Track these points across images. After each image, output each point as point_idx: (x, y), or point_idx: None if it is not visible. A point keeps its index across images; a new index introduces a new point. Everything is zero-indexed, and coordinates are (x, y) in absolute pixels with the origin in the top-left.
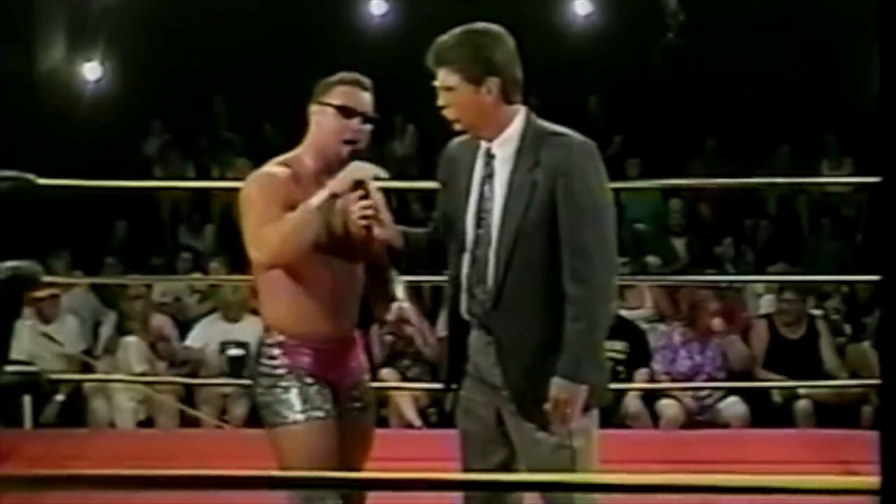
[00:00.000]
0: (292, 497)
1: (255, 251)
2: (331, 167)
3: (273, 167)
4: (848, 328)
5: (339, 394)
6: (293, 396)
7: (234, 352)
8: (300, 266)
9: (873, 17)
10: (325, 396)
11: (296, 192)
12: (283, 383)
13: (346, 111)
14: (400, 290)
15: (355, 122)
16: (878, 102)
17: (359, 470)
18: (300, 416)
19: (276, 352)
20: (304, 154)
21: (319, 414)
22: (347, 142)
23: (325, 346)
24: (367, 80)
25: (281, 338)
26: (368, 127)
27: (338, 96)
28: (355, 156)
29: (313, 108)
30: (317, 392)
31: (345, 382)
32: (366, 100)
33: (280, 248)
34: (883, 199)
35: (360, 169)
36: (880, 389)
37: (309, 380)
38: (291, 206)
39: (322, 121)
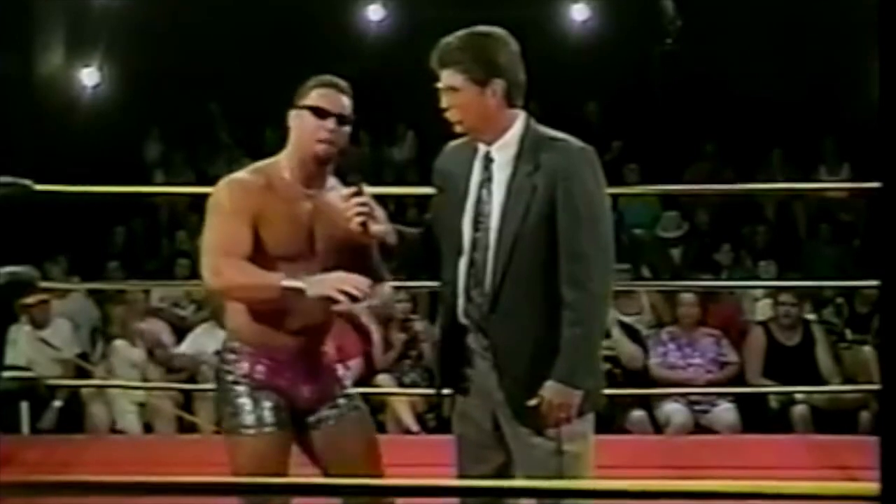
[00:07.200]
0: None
1: (206, 274)
2: (308, 169)
3: (246, 174)
4: (847, 333)
5: (299, 405)
6: (243, 405)
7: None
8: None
9: (872, 21)
10: (277, 408)
11: (270, 198)
12: (236, 390)
13: (319, 112)
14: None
15: (329, 122)
16: (878, 107)
17: (363, 475)
18: (248, 429)
19: (232, 357)
20: (283, 159)
21: (268, 424)
22: (322, 142)
23: (286, 357)
24: (343, 83)
25: (237, 344)
26: (346, 129)
27: (312, 98)
28: (333, 158)
29: (291, 114)
30: (268, 402)
31: (307, 394)
32: (341, 102)
33: (226, 290)
34: (882, 204)
35: (341, 280)
36: (880, 395)
37: (261, 389)
38: (261, 213)
39: (298, 124)
